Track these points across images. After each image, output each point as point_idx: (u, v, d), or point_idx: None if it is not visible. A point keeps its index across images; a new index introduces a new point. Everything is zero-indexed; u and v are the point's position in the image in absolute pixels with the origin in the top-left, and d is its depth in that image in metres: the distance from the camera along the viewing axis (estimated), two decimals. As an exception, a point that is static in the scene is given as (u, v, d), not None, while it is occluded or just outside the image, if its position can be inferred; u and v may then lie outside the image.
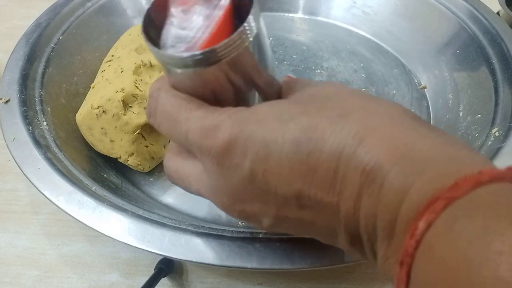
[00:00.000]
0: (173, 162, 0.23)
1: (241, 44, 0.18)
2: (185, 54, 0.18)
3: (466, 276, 0.12)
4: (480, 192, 0.14)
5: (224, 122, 0.18)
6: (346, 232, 0.18)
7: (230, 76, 0.19)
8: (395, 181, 0.15)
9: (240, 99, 0.21)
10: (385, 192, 0.15)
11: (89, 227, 0.27)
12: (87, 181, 0.30)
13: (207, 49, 0.18)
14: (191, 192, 0.23)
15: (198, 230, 0.26)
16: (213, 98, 0.20)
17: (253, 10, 0.18)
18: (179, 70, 0.19)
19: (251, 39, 0.19)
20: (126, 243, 0.26)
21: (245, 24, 0.18)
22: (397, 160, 0.16)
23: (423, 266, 0.14)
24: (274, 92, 0.23)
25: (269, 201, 0.19)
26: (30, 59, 0.38)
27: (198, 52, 0.18)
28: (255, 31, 0.19)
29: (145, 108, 0.34)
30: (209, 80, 0.19)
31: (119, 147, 0.34)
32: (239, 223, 0.34)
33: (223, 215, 0.34)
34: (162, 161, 0.37)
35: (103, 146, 0.35)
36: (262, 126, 0.18)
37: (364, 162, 0.16)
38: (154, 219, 0.27)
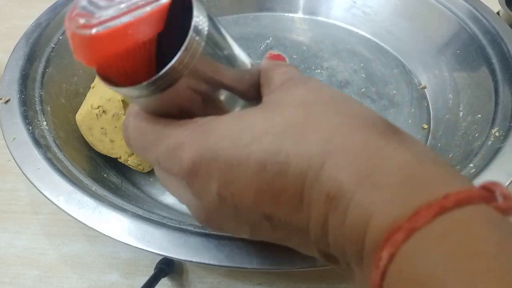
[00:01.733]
0: (159, 169, 0.22)
1: (194, 54, 0.17)
2: (137, 86, 0.17)
3: None
4: (441, 220, 0.13)
5: (187, 141, 0.18)
6: (319, 252, 0.18)
7: (194, 88, 0.18)
8: (357, 209, 0.15)
9: (212, 105, 0.20)
10: (349, 222, 0.15)
11: (89, 227, 0.27)
12: (87, 181, 0.30)
13: (155, 77, 0.16)
14: (178, 200, 0.23)
15: (198, 230, 0.26)
16: (183, 111, 0.19)
17: (195, 9, 0.17)
18: (139, 100, 0.18)
19: (203, 43, 0.17)
20: (126, 243, 0.26)
21: (191, 33, 0.16)
22: (359, 184, 0.15)
23: None
24: (251, 85, 0.21)
25: (241, 221, 0.19)
26: (30, 59, 0.38)
27: (145, 83, 0.16)
28: (205, 33, 0.17)
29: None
30: (172, 100, 0.18)
31: (119, 147, 0.34)
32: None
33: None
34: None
35: (103, 146, 0.35)
36: (226, 146, 0.17)
37: (326, 188, 0.15)
38: (154, 219, 0.27)
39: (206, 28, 0.17)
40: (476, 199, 0.13)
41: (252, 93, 0.22)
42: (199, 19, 0.17)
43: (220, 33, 0.19)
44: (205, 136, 0.17)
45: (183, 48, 0.16)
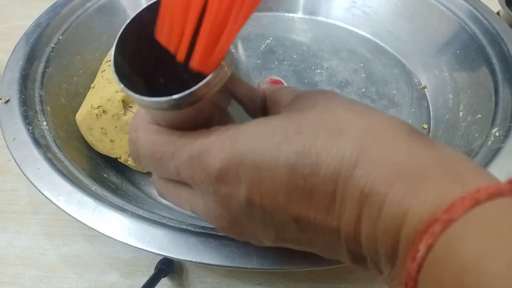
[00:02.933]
0: (163, 183, 0.22)
1: (228, 71, 0.17)
2: (163, 99, 0.17)
3: None
4: (477, 212, 0.13)
5: (212, 146, 0.18)
6: (349, 253, 0.18)
7: (216, 104, 0.18)
8: (392, 205, 0.15)
9: (224, 120, 0.20)
10: (384, 217, 0.15)
11: (89, 227, 0.27)
12: (87, 181, 0.30)
13: (187, 92, 0.16)
14: (185, 210, 0.22)
15: (198, 230, 0.26)
16: (198, 124, 0.19)
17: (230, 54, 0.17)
18: (159, 112, 0.18)
19: (235, 60, 0.18)
20: (126, 243, 0.26)
21: (223, 62, 0.17)
22: (393, 182, 0.15)
23: (428, 284, 0.14)
24: (257, 103, 0.22)
25: (267, 225, 0.18)
26: (30, 59, 0.38)
27: (177, 97, 0.17)
28: (238, 48, 0.18)
29: (145, 108, 0.34)
30: (192, 113, 0.18)
31: (119, 147, 0.34)
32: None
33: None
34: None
35: (103, 146, 0.35)
36: (254, 149, 0.17)
37: (360, 185, 0.16)
38: (154, 219, 0.27)
39: (239, 46, 0.18)
40: (505, 192, 0.14)
41: (258, 111, 0.22)
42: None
43: (241, 51, 0.19)
44: (232, 141, 0.17)
45: (220, 65, 0.17)
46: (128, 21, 0.20)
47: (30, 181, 0.29)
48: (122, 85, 0.18)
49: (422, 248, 0.14)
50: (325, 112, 0.18)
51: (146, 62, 0.20)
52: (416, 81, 0.46)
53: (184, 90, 0.17)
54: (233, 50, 0.17)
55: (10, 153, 0.31)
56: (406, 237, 0.15)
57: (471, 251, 0.13)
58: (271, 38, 0.50)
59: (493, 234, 0.13)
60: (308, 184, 0.16)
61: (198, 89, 0.17)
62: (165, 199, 0.23)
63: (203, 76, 0.17)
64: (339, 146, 0.16)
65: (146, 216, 0.27)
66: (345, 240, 0.17)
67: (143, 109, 0.20)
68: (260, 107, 0.22)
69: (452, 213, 0.14)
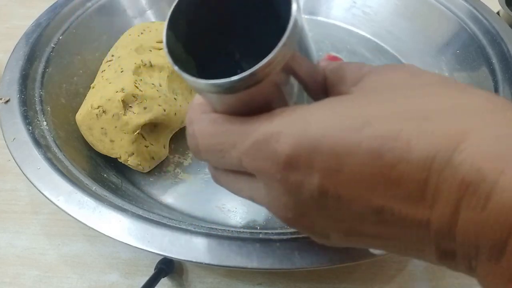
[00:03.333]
0: (220, 173, 0.21)
1: (291, 48, 0.16)
2: (222, 81, 0.15)
3: None
4: None
5: (279, 131, 0.16)
6: (437, 249, 0.16)
7: (276, 85, 0.17)
8: (505, 193, 0.13)
9: (283, 100, 0.18)
10: (493, 206, 0.13)
11: (89, 227, 0.27)
12: (87, 181, 0.30)
13: (248, 73, 0.15)
14: (242, 197, 0.21)
15: (198, 230, 0.26)
16: (256, 108, 0.17)
17: (294, 12, 0.15)
18: (216, 96, 0.17)
19: (298, 36, 0.16)
20: (126, 243, 0.26)
21: (291, 25, 0.15)
22: (504, 167, 0.13)
23: None
24: (319, 82, 0.20)
25: (341, 218, 0.17)
26: (30, 59, 0.38)
27: (236, 78, 0.15)
28: (300, 24, 0.16)
29: (145, 108, 0.34)
30: (251, 98, 0.17)
31: (119, 147, 0.34)
32: (239, 221, 0.34)
33: (222, 215, 0.34)
34: (162, 161, 0.37)
35: (103, 146, 0.35)
36: (330, 133, 0.15)
37: (462, 172, 0.14)
38: (154, 219, 0.27)
39: (301, 18, 0.16)
40: None
41: (319, 91, 0.20)
42: (296, 7, 0.15)
43: (304, 26, 0.17)
44: (302, 124, 0.16)
45: (283, 41, 0.15)
46: (177, 0, 0.18)
47: (30, 181, 0.29)
48: (176, 67, 0.17)
49: None
50: (408, 91, 0.16)
51: (198, 42, 0.19)
52: (416, 81, 0.46)
53: (237, 74, 0.15)
54: (297, 20, 0.15)
55: (10, 153, 0.31)
56: None
57: None
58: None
59: None
60: (395, 171, 0.14)
61: (259, 69, 0.15)
62: (220, 185, 0.22)
63: (256, 57, 0.15)
64: (434, 128, 0.14)
65: (146, 216, 0.27)
66: (435, 234, 0.15)
67: (198, 93, 0.18)
68: (321, 86, 0.20)
69: None
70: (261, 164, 0.17)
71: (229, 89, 0.16)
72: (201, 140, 0.19)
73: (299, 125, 0.16)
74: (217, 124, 0.18)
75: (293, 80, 0.18)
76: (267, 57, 0.15)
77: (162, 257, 0.30)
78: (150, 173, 0.37)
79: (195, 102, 0.20)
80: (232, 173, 0.20)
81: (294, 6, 0.15)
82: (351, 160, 0.15)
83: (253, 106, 0.17)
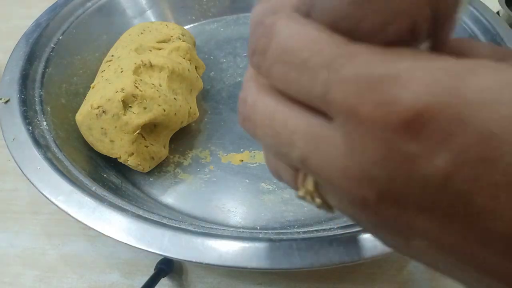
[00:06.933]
0: (266, 101, 0.14)
1: None
2: None
3: None
4: None
5: (413, 76, 0.11)
6: None
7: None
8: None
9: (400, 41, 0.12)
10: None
11: (89, 227, 0.27)
12: (87, 181, 0.30)
13: None
14: (285, 155, 0.14)
15: (198, 230, 0.26)
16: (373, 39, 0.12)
17: None
18: None
19: None
20: (126, 243, 0.26)
21: None
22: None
23: None
24: (447, 36, 0.13)
25: (457, 221, 0.11)
26: (30, 59, 0.38)
27: None
28: None
29: (145, 108, 0.34)
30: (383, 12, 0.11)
31: (119, 147, 0.34)
32: (240, 221, 0.34)
33: (222, 215, 0.34)
34: (162, 161, 0.37)
35: (103, 146, 0.35)
36: (495, 107, 0.10)
37: None
38: (154, 219, 0.27)
39: None
40: None
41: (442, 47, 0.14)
42: None
43: None
44: (454, 79, 0.10)
45: None
46: None
47: (30, 181, 0.29)
48: None
49: None
50: None
51: None
52: (416, 81, 0.46)
53: None
54: None
55: (10, 153, 0.31)
56: None
57: None
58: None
59: None
60: None
61: None
62: (251, 128, 0.15)
63: None
64: None
65: (146, 216, 0.27)
66: None
67: None
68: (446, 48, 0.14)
69: None
70: (366, 108, 0.11)
71: None
72: (280, 38, 0.13)
73: (447, 79, 0.11)
74: (318, 30, 0.12)
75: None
76: None
77: (162, 257, 0.30)
78: (150, 173, 0.37)
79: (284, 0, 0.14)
80: (292, 102, 0.13)
81: None
82: None
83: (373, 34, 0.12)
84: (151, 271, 0.31)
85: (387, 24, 0.12)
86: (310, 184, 0.15)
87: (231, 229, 0.27)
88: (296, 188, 0.16)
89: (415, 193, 0.11)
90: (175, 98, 0.36)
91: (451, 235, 0.11)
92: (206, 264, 0.25)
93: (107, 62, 0.39)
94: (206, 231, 0.26)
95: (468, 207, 0.11)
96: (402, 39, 0.12)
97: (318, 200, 0.16)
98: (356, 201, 0.13)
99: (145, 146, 0.35)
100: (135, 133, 0.34)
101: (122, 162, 0.35)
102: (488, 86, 0.10)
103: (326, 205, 0.16)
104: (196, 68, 0.41)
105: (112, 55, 0.39)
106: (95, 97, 0.34)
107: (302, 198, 0.16)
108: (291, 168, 0.16)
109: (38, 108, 0.35)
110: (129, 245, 0.26)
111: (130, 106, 0.34)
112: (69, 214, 0.27)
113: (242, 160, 0.38)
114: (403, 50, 0.11)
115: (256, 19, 0.14)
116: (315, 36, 0.12)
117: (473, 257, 0.12)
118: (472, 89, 0.10)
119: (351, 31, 0.12)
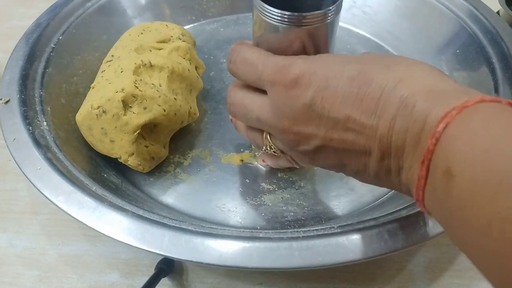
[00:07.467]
0: (239, 93, 0.28)
1: (323, 19, 0.25)
2: (286, 13, 0.24)
3: (480, 155, 0.17)
4: (484, 104, 0.19)
5: (296, 62, 0.24)
6: (379, 149, 0.22)
7: (305, 41, 0.26)
8: (423, 104, 0.20)
9: (304, 52, 0.27)
10: (415, 111, 0.20)
11: (89, 227, 0.27)
12: (87, 181, 0.30)
13: (299, 14, 0.24)
14: (248, 120, 0.28)
15: (198, 230, 0.26)
16: (287, 52, 0.26)
17: (339, 3, 0.26)
18: (272, 23, 0.25)
19: (329, 19, 0.25)
20: (126, 243, 0.26)
21: (332, 7, 0.25)
22: (425, 93, 0.20)
23: (440, 154, 0.19)
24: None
25: (321, 124, 0.24)
26: (30, 59, 0.38)
27: (296, 14, 0.24)
28: (334, 16, 0.26)
29: (145, 108, 0.34)
30: (289, 38, 0.26)
31: (119, 147, 0.34)
32: (240, 221, 0.34)
33: (222, 215, 0.34)
34: (162, 161, 0.37)
35: (103, 146, 0.35)
36: (326, 66, 0.23)
37: (401, 93, 0.21)
38: (154, 219, 0.27)
39: (336, 13, 0.26)
40: (503, 101, 0.19)
41: None
42: (338, 5, 0.26)
43: (337, 24, 0.27)
44: (310, 60, 0.24)
45: (337, 3, 0.25)
46: None
47: (30, 181, 0.29)
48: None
49: (440, 126, 0.19)
50: (381, 57, 0.24)
51: None
52: (416, 81, 0.46)
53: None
54: (336, 8, 0.25)
55: (10, 153, 0.31)
56: (430, 124, 0.20)
57: (474, 126, 0.18)
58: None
59: (496, 114, 0.18)
60: (361, 91, 0.22)
61: (308, 14, 0.24)
62: (235, 107, 0.28)
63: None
64: (390, 71, 0.22)
65: (146, 216, 0.27)
66: (380, 135, 0.22)
67: (255, 28, 0.28)
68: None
69: (465, 104, 0.19)
70: (276, 78, 0.24)
71: (294, 21, 0.25)
72: (242, 54, 0.27)
73: (309, 61, 0.24)
74: (259, 50, 0.27)
75: (316, 40, 0.26)
76: (330, 6, 0.25)
77: (162, 257, 0.30)
78: (150, 173, 0.37)
79: (244, 42, 0.29)
80: (247, 88, 0.28)
81: None
82: (334, 82, 0.23)
83: (286, 50, 0.26)
84: (151, 271, 0.31)
85: (288, 51, 0.26)
86: (267, 138, 0.29)
87: (231, 229, 0.27)
88: (263, 146, 0.30)
89: (301, 112, 0.24)
90: (175, 98, 0.36)
91: (323, 129, 0.24)
92: (206, 264, 0.25)
93: (107, 62, 0.39)
94: (206, 231, 0.26)
95: (322, 110, 0.24)
96: (296, 54, 0.26)
97: (273, 147, 0.29)
98: (280, 131, 0.26)
99: (145, 146, 0.35)
100: (135, 133, 0.34)
101: (122, 162, 0.35)
102: (321, 63, 0.24)
103: (278, 150, 0.29)
104: (196, 68, 0.41)
105: (112, 55, 0.39)
106: (95, 97, 0.34)
107: (266, 150, 0.30)
108: (258, 133, 0.29)
109: (38, 108, 0.35)
110: (129, 245, 0.26)
111: (130, 106, 0.34)
112: (69, 214, 0.27)
113: (242, 160, 0.38)
114: (294, 56, 0.25)
115: (232, 47, 0.28)
116: (258, 53, 0.26)
117: (330, 138, 0.24)
118: (317, 62, 0.24)
119: (275, 51, 0.26)
